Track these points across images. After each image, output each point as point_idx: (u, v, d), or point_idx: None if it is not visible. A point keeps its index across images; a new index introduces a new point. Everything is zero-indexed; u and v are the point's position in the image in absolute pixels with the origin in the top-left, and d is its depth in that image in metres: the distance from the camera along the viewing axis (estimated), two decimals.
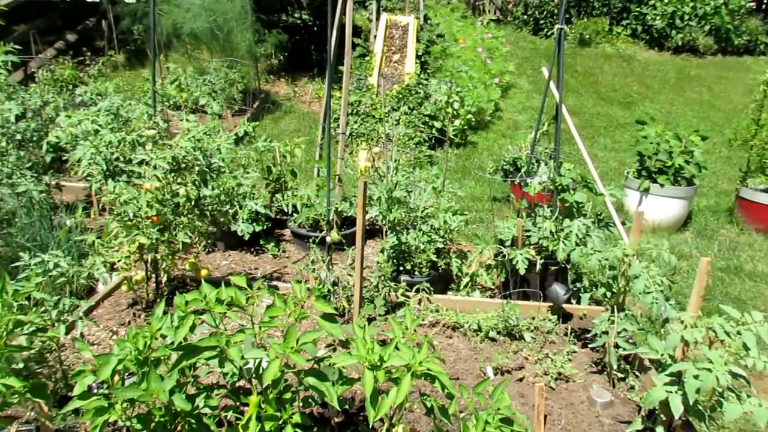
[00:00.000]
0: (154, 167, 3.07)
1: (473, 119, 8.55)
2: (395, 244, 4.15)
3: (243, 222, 4.59)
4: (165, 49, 8.75)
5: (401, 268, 4.20)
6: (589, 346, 3.56)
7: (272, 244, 4.88)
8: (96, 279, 3.74)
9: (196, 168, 3.24)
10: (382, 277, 3.91)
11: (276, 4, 10.30)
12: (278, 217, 5.30)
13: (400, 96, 7.97)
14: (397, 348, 1.91)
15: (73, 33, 10.66)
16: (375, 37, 9.48)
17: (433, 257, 4.16)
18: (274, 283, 4.22)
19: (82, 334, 2.67)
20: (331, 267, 3.69)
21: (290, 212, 4.93)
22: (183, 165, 3.31)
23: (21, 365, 2.41)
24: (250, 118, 7.85)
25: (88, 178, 3.76)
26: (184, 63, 8.70)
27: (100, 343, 3.30)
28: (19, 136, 4.17)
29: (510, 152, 6.53)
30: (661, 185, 5.85)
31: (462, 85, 8.52)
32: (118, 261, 3.30)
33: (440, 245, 4.31)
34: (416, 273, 4.18)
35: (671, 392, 2.37)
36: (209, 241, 4.08)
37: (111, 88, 4.82)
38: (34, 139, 4.33)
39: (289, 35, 9.72)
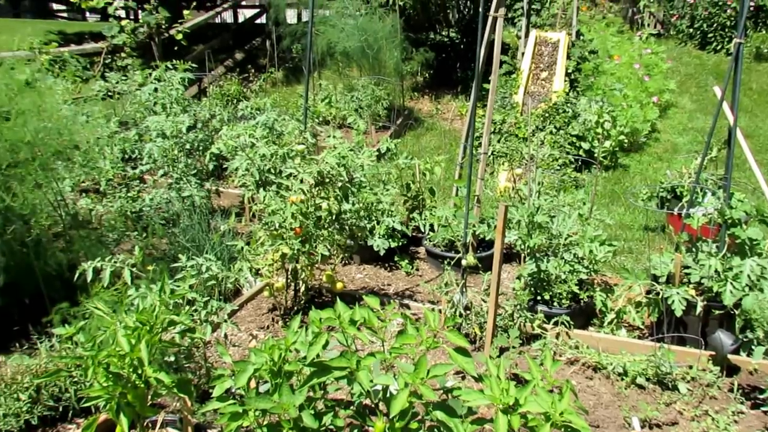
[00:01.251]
0: (301, 181, 3.19)
1: (626, 140, 7.94)
2: (534, 271, 3.93)
3: (379, 237, 4.64)
4: (319, 66, 9.25)
5: (538, 298, 3.96)
6: (762, 408, 3.06)
7: (406, 261, 4.87)
8: (238, 281, 3.98)
9: (339, 183, 3.32)
10: (518, 306, 3.71)
11: (425, 22, 10.45)
12: (414, 234, 5.29)
13: (547, 115, 7.63)
14: (534, 392, 1.76)
15: (241, 52, 11.71)
16: (522, 54, 9.22)
17: (575, 288, 3.87)
18: (406, 301, 4.20)
19: (225, 335, 2.83)
20: (465, 290, 3.58)
21: (426, 230, 4.89)
22: (327, 179, 3.41)
23: (172, 358, 2.60)
24: (393, 134, 8.00)
25: (243, 187, 4.04)
26: (335, 80, 9.12)
27: (241, 344, 3.49)
28: (188, 146, 4.60)
29: (668, 178, 5.93)
30: None
31: (615, 104, 7.96)
32: (263, 268, 3.47)
33: (583, 276, 4.00)
34: (555, 304, 3.91)
35: None
36: (346, 255, 4.16)
37: (269, 103, 5.16)
38: (201, 148, 4.76)
39: (435, 53, 9.80)
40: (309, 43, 4.15)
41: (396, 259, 4.91)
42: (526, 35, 9.40)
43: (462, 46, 10.48)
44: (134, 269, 2.68)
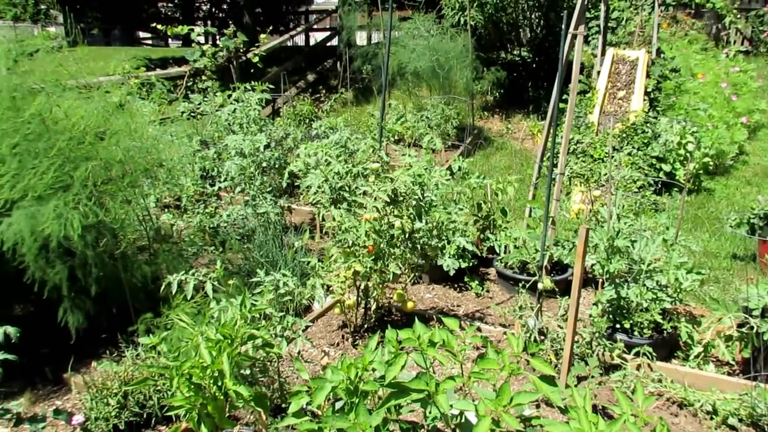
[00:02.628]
0: (375, 199, 3.20)
1: (710, 163, 7.51)
2: (613, 298, 3.74)
3: (449, 257, 4.58)
4: (389, 86, 9.37)
5: (617, 326, 3.77)
6: None
7: (476, 282, 4.78)
8: (312, 298, 4.02)
9: (413, 202, 3.31)
10: (596, 334, 3.54)
11: (496, 41, 10.40)
12: (484, 255, 5.19)
13: (624, 135, 7.35)
14: (625, 428, 1.65)
15: (312, 73, 12.06)
16: (598, 72, 8.97)
17: (658, 318, 3.65)
18: (476, 323, 4.11)
19: (299, 352, 2.85)
20: (540, 315, 3.46)
21: (502, 251, 4.78)
22: (401, 198, 3.41)
23: (247, 371, 2.65)
24: (462, 154, 7.95)
25: (315, 204, 4.11)
26: (405, 100, 9.19)
27: (312, 360, 3.51)
28: (264, 164, 4.74)
29: (759, 203, 5.55)
30: None
31: (699, 125, 7.57)
32: (334, 285, 3.49)
33: (667, 305, 3.77)
34: (635, 333, 3.71)
35: None
36: (416, 274, 4.13)
37: (341, 122, 5.25)
38: (276, 166, 4.90)
39: (506, 72, 9.71)
40: (386, 62, 4.20)
41: (466, 279, 4.83)
42: (602, 53, 9.15)
43: (534, 65, 10.33)
44: (215, 283, 2.76)
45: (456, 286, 4.86)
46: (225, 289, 2.84)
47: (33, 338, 2.89)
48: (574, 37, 4.59)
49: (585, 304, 4.45)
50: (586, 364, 3.42)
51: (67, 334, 3.27)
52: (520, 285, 3.66)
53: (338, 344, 3.76)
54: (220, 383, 2.16)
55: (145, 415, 2.57)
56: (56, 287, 3.16)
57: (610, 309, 3.80)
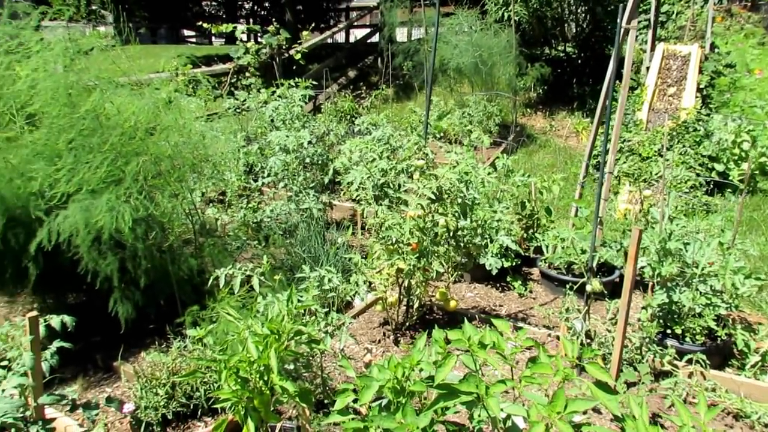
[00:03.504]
0: (420, 196, 3.17)
1: (767, 163, 7.19)
2: (664, 302, 3.61)
3: (492, 256, 4.51)
4: (427, 83, 9.30)
5: (668, 331, 3.63)
6: None
7: (519, 282, 4.70)
8: (353, 294, 4.02)
9: (458, 199, 3.26)
10: (646, 339, 3.43)
11: (540, 37, 10.19)
12: (527, 254, 5.10)
13: (674, 133, 7.10)
14: None
15: (353, 70, 12.08)
16: (647, 68, 8.69)
17: (712, 324, 3.51)
18: (519, 323, 4.03)
19: (342, 348, 2.84)
20: (587, 318, 3.36)
21: (550, 251, 4.68)
22: (445, 196, 3.37)
23: (291, 366, 2.66)
24: (506, 151, 7.83)
25: (358, 200, 4.10)
26: (446, 96, 9.11)
27: (354, 356, 3.51)
28: (307, 160, 4.76)
29: None
30: None
31: (755, 123, 7.24)
32: (377, 282, 3.48)
33: (722, 311, 3.61)
34: (687, 339, 3.57)
35: None
36: (459, 272, 4.08)
37: (384, 119, 5.23)
38: (318, 162, 4.91)
39: (551, 68, 9.52)
40: (432, 58, 4.16)
41: (508, 279, 4.75)
42: (652, 48, 8.86)
43: (579, 61, 10.08)
44: (262, 278, 2.78)
45: (498, 285, 4.79)
46: (270, 283, 2.86)
47: (85, 326, 2.98)
48: (627, 31, 4.44)
49: (633, 308, 4.31)
50: (635, 369, 3.32)
51: (116, 322, 3.35)
52: (567, 287, 3.56)
53: (380, 341, 3.74)
54: (266, 378, 2.17)
55: (191, 406, 2.61)
56: (107, 278, 3.24)
57: (661, 313, 3.67)
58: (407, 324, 3.83)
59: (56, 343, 2.43)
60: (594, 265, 4.05)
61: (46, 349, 2.42)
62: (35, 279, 3.19)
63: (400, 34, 11.97)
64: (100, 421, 2.89)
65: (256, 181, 5.35)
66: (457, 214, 3.36)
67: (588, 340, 3.48)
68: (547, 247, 4.57)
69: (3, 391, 2.01)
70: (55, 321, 2.31)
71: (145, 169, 3.19)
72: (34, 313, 2.17)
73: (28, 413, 2.29)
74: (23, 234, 3.13)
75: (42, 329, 2.27)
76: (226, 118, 4.49)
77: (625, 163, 6.67)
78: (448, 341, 2.00)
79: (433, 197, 3.19)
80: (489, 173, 3.43)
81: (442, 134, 7.35)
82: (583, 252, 4.17)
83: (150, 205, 3.23)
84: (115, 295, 3.34)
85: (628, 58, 4.45)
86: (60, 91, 3.05)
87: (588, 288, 3.38)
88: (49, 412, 2.57)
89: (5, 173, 3.11)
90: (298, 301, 2.25)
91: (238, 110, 6.09)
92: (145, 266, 3.29)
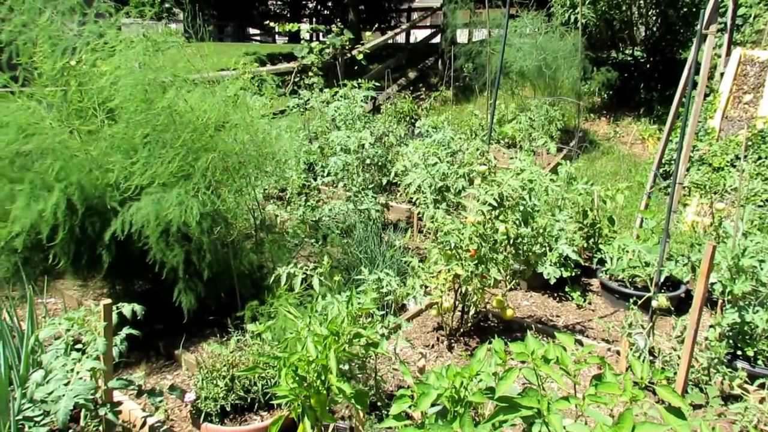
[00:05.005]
0: (482, 202, 3.13)
1: None
2: (735, 322, 3.43)
3: (551, 265, 4.40)
4: (490, 86, 9.18)
5: (738, 353, 3.45)
6: None
7: (578, 292, 4.57)
8: (409, 298, 4.02)
9: (520, 207, 3.20)
10: (715, 360, 3.26)
11: (607, 40, 9.88)
12: (587, 264, 4.95)
13: (750, 143, 6.73)
14: None
15: (414, 71, 12.06)
16: (722, 74, 8.27)
17: None
18: (577, 336, 3.92)
19: (396, 352, 2.84)
20: (651, 334, 3.23)
21: (613, 262, 4.54)
22: (507, 202, 3.31)
23: (346, 367, 2.68)
24: (567, 157, 7.64)
25: (416, 203, 4.09)
26: (506, 99, 8.97)
27: (408, 360, 3.51)
28: (368, 161, 4.79)
29: None
30: None
31: None
32: (433, 286, 3.46)
33: None
34: (759, 362, 3.38)
35: None
36: (516, 281, 4.01)
37: (445, 122, 5.20)
38: (378, 163, 4.93)
39: (617, 73, 9.21)
40: (500, 61, 4.10)
41: (567, 289, 4.63)
42: (727, 54, 8.43)
43: (648, 66, 9.71)
44: (321, 278, 2.81)
45: (555, 295, 4.67)
46: (329, 283, 2.89)
47: (149, 314, 3.10)
48: (704, 37, 4.24)
49: (701, 326, 4.12)
50: (701, 391, 3.16)
51: (178, 311, 3.47)
52: (632, 300, 3.44)
53: (433, 346, 3.72)
54: (323, 377, 2.20)
55: (249, 400, 2.67)
56: (173, 269, 3.36)
57: (731, 333, 3.48)
58: (462, 330, 3.80)
59: (126, 330, 2.53)
60: (661, 279, 3.89)
61: (116, 335, 2.54)
62: (107, 266, 3.35)
63: (462, 36, 11.87)
64: (161, 408, 3.00)
65: (315, 179, 5.42)
66: (517, 222, 3.30)
67: (651, 358, 3.35)
68: (611, 258, 4.43)
69: (77, 373, 2.12)
70: (126, 309, 2.41)
71: (213, 165, 3.29)
72: (108, 300, 2.27)
73: (98, 395, 2.40)
74: (99, 223, 3.29)
75: (114, 316, 2.37)
76: (290, 117, 4.56)
77: (695, 173, 6.38)
78: (507, 352, 1.97)
79: (495, 204, 3.14)
80: (553, 180, 3.34)
81: (503, 139, 7.24)
82: (647, 265, 4.01)
83: (216, 200, 3.33)
84: (179, 286, 3.46)
85: (704, 63, 4.26)
86: (138, 88, 3.18)
87: (654, 303, 3.25)
88: (116, 395, 2.69)
89: (85, 164, 3.27)
90: (358, 303, 2.26)
91: (301, 109, 6.19)
92: (209, 259, 3.39)
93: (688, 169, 6.51)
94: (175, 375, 3.44)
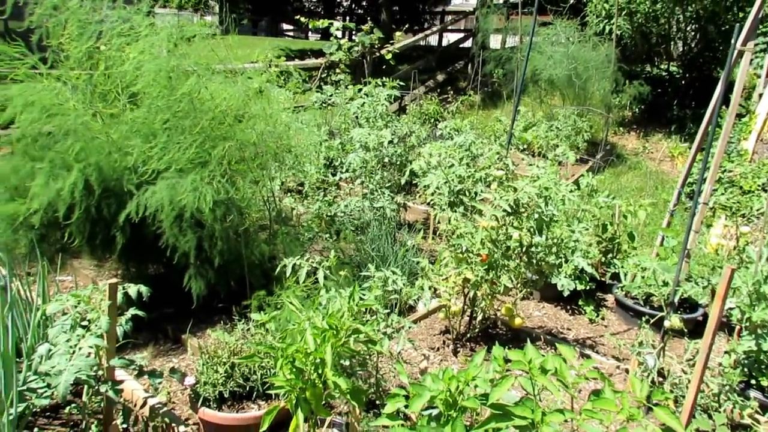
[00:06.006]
0: (495, 207, 3.09)
1: None
2: (751, 350, 3.32)
3: (565, 277, 4.33)
4: (516, 92, 9.10)
5: (752, 381, 3.34)
6: None
7: (591, 307, 4.48)
8: (417, 299, 3.99)
9: (536, 215, 3.15)
10: (726, 387, 3.16)
11: (642, 54, 9.70)
12: (602, 279, 4.86)
13: None
14: None
15: (442, 74, 12.01)
16: (760, 95, 8.05)
17: None
18: (587, 350, 3.85)
19: (399, 352, 2.82)
20: (662, 355, 3.15)
21: (628, 278, 4.45)
22: (522, 209, 3.26)
23: (346, 363, 2.66)
24: (592, 169, 7.52)
25: (433, 205, 4.06)
26: (534, 107, 8.87)
27: (411, 361, 3.48)
28: (386, 159, 4.78)
29: None
30: None
31: None
32: (442, 289, 3.42)
33: None
34: None
35: None
36: (528, 290, 3.95)
37: (467, 125, 5.16)
38: (397, 162, 4.91)
39: (650, 87, 9.04)
40: (524, 68, 4.04)
41: (580, 303, 4.55)
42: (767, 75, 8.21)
43: (683, 82, 9.50)
44: (327, 272, 2.81)
45: (568, 307, 4.59)
46: (335, 278, 2.88)
47: (160, 297, 3.13)
48: (741, 54, 4.13)
49: (715, 351, 4.00)
50: (709, 417, 3.07)
51: (188, 296, 3.50)
52: (644, 319, 3.35)
53: (438, 349, 3.69)
54: (320, 371, 2.18)
55: (247, 388, 2.67)
56: (185, 254, 3.39)
57: (746, 361, 3.38)
58: (469, 335, 3.76)
59: (131, 311, 2.56)
60: (676, 299, 3.80)
61: (122, 315, 2.57)
62: (121, 247, 3.39)
63: (494, 41, 11.79)
64: (164, 390, 3.03)
65: (334, 175, 5.43)
66: (532, 230, 3.24)
67: (660, 379, 3.26)
68: (625, 274, 4.33)
69: (80, 349, 2.15)
70: (132, 290, 2.44)
71: (230, 153, 3.31)
72: (115, 280, 2.30)
73: (100, 373, 2.43)
74: (114, 205, 3.34)
75: (120, 296, 2.40)
76: (311, 111, 4.58)
77: (723, 194, 6.22)
78: (507, 360, 1.93)
79: (510, 210, 3.10)
80: (571, 191, 3.28)
81: (526, 146, 7.15)
82: (665, 284, 3.92)
83: (231, 188, 3.35)
84: (190, 272, 3.48)
85: (738, 81, 4.14)
86: (161, 74, 3.22)
87: (666, 324, 3.16)
88: (119, 374, 2.72)
89: (105, 147, 3.32)
90: (360, 299, 2.25)
91: (324, 104, 6.21)
92: (220, 247, 3.41)
93: (715, 190, 6.36)
94: (180, 359, 3.47)
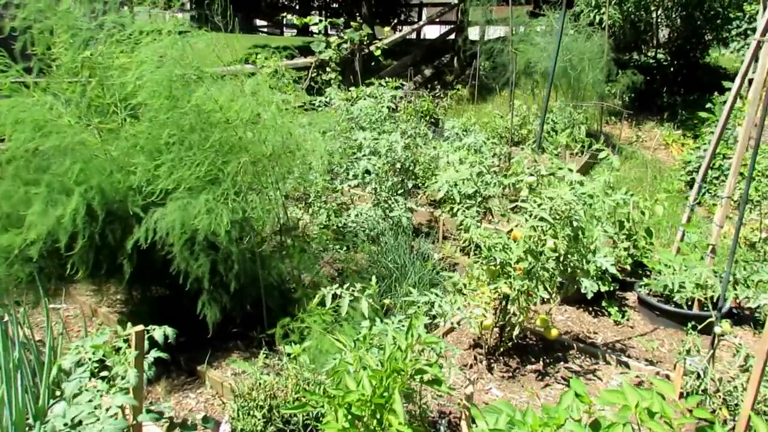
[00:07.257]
0: (534, 216, 2.90)
1: None
2: None
3: (588, 278, 4.18)
4: (512, 86, 8.94)
5: None
6: None
7: (616, 308, 4.35)
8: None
9: (573, 222, 2.97)
10: None
11: (631, 42, 9.62)
12: (622, 278, 4.73)
13: None
14: None
15: (429, 68, 11.79)
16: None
17: None
18: (618, 355, 3.71)
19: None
20: (712, 362, 3.01)
21: (639, 275, 4.32)
22: (557, 217, 3.08)
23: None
24: (587, 163, 7.41)
25: (436, 205, 3.87)
26: (528, 100, 8.73)
27: (455, 385, 3.24)
28: (398, 165, 4.55)
29: None
30: None
31: None
32: (475, 304, 3.23)
33: None
34: None
35: None
36: (560, 297, 3.79)
37: (475, 125, 4.97)
38: (408, 166, 4.69)
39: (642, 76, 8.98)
40: (554, 62, 3.85)
41: (604, 304, 4.41)
42: None
43: (671, 69, 9.46)
44: (370, 300, 2.59)
45: (591, 309, 4.45)
46: (377, 305, 2.66)
47: (167, 322, 2.87)
48: (759, 45, 4.01)
49: (760, 354, 3.90)
50: None
51: (198, 321, 3.23)
52: (690, 325, 3.20)
53: (471, 366, 3.50)
54: (379, 416, 1.97)
55: (288, 431, 2.45)
56: (197, 279, 3.13)
57: None
58: (501, 349, 3.57)
59: (154, 353, 2.31)
60: (700, 297, 3.68)
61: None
62: (128, 276, 3.11)
63: (477, 33, 11.60)
64: None
65: (341, 183, 5.17)
66: (569, 237, 3.07)
67: (712, 386, 3.13)
68: (658, 272, 4.21)
69: (107, 410, 1.89)
70: (157, 333, 2.18)
71: (244, 169, 3.05)
72: (140, 327, 2.04)
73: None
74: (119, 230, 3.06)
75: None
76: (321, 116, 4.33)
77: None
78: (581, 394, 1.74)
79: (551, 220, 2.91)
80: (607, 194, 3.11)
81: (520, 140, 6.99)
82: (702, 287, 3.78)
83: (247, 206, 3.09)
84: (203, 298, 3.22)
85: (759, 72, 4.02)
86: (164, 84, 2.94)
87: (717, 329, 3.02)
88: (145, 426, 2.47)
89: (106, 166, 3.03)
90: (419, 335, 2.03)
91: (320, 106, 5.94)
92: (237, 270, 3.15)
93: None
94: (198, 393, 3.21)
